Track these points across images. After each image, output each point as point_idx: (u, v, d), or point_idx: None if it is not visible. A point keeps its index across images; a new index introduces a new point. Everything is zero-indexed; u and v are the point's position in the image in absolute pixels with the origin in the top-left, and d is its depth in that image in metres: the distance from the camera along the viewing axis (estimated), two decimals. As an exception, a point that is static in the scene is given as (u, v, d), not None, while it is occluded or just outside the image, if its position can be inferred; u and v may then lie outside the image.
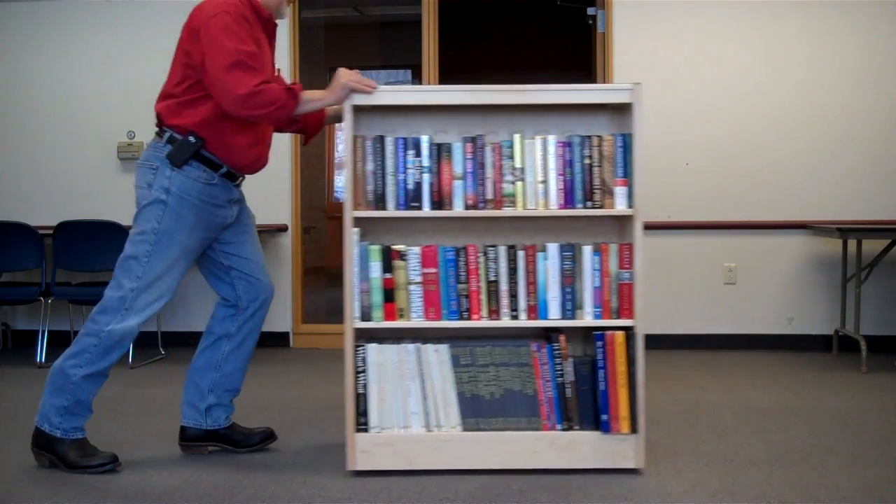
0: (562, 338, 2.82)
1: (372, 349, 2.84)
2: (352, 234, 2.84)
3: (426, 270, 2.85)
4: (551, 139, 2.84)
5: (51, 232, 4.94)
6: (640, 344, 2.79)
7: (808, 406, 3.74)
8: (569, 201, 2.83)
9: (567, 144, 2.83)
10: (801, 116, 5.32)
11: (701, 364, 4.81)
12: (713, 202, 5.34)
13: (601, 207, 2.82)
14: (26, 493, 2.63)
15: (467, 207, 2.86)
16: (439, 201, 2.86)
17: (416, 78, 8.06)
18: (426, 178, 2.85)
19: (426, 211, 2.86)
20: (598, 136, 2.81)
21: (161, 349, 5.28)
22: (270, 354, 5.26)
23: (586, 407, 2.81)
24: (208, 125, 2.81)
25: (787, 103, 5.32)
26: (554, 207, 2.83)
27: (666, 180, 5.36)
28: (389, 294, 2.86)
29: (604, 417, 2.79)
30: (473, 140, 2.88)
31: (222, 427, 3.06)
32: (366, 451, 2.80)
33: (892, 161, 5.27)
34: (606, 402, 2.79)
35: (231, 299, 3.05)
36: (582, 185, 2.82)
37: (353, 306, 2.85)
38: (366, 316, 2.85)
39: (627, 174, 2.81)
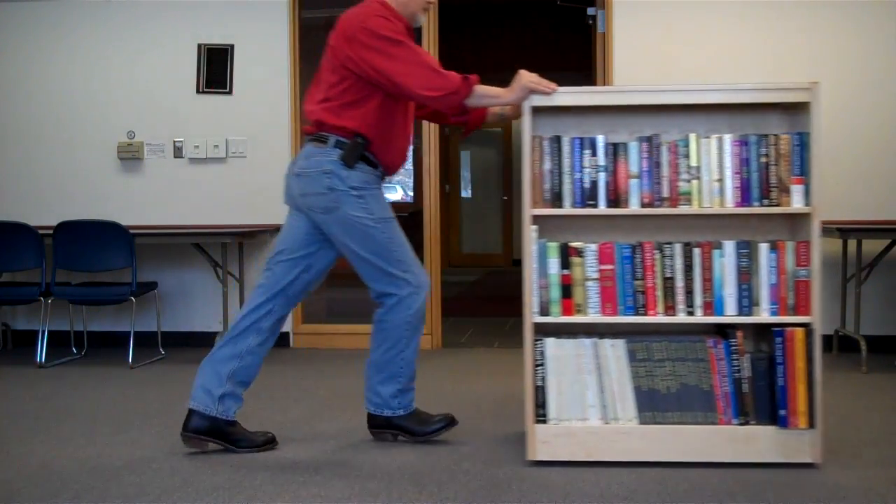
0: (739, 334, 2.86)
1: (550, 343, 2.93)
2: (531, 232, 2.91)
3: (603, 267, 2.92)
4: (727, 138, 2.87)
5: (51, 232, 4.94)
6: (817, 341, 2.82)
7: (807, 406, 3.73)
8: (745, 199, 2.87)
9: (743, 143, 2.87)
10: (801, 116, 5.31)
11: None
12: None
13: (778, 205, 2.86)
14: (26, 493, 2.63)
15: (643, 205, 2.96)
16: (615, 199, 2.95)
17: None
18: (602, 176, 2.95)
19: (602, 209, 2.94)
20: (775, 135, 2.85)
21: (161, 349, 5.28)
22: (270, 354, 5.24)
23: (762, 402, 2.85)
24: (372, 125, 2.96)
25: (787, 103, 5.31)
26: (730, 205, 2.88)
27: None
28: (567, 290, 2.93)
29: (782, 413, 2.82)
30: (649, 139, 2.94)
31: (227, 419, 3.06)
32: (545, 442, 2.88)
33: (893, 161, 5.27)
34: (785, 398, 2.82)
35: (276, 288, 3.07)
36: (759, 183, 2.86)
37: (532, 301, 2.92)
38: (544, 311, 2.94)
39: (804, 172, 2.85)
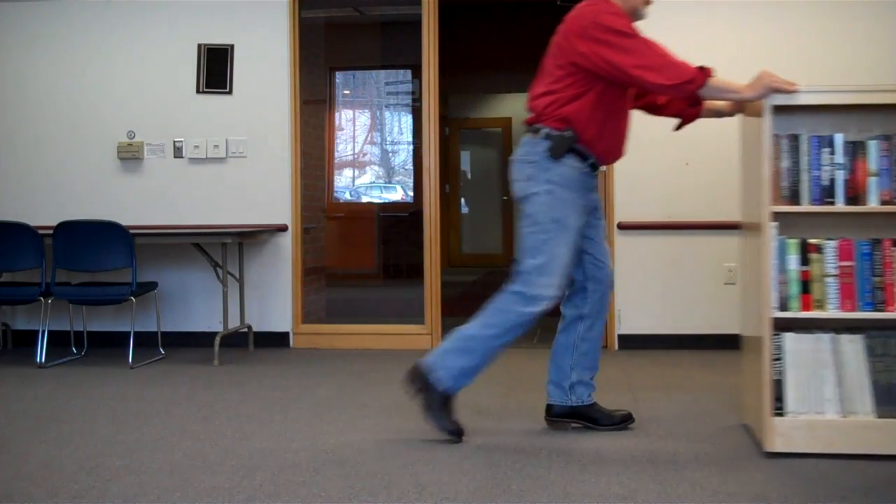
0: None
1: (789, 338, 2.97)
2: (771, 228, 2.95)
3: (842, 263, 2.98)
4: None
5: (51, 232, 4.93)
6: None
7: (808, 406, 3.73)
8: None
9: None
10: (802, 116, 5.30)
11: (701, 364, 4.81)
12: (713, 202, 5.33)
13: None
14: (26, 493, 2.63)
15: (882, 203, 2.99)
16: (854, 196, 2.99)
17: (416, 78, 8.06)
18: (840, 174, 3.00)
19: (840, 206, 2.98)
20: None
21: (161, 349, 5.28)
22: (270, 354, 5.26)
23: None
24: (586, 118, 3.05)
25: (787, 103, 5.30)
26: None
27: (665, 180, 5.36)
28: (806, 286, 2.98)
29: None
30: (888, 138, 2.99)
31: (585, 404, 3.28)
32: (783, 435, 2.92)
33: (893, 161, 5.25)
34: None
35: (579, 280, 3.24)
36: None
37: (771, 296, 2.97)
38: (783, 306, 2.99)
39: None
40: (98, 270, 5.01)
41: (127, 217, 5.26)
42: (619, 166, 5.39)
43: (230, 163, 5.60)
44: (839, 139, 2.95)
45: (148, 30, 5.63)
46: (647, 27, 5.37)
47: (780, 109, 2.97)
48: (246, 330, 5.45)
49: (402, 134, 12.18)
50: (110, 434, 3.35)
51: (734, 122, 5.52)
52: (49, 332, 4.98)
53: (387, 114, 10.02)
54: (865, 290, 2.95)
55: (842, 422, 2.92)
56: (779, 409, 2.93)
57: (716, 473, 2.80)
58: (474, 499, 2.57)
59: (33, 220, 5.17)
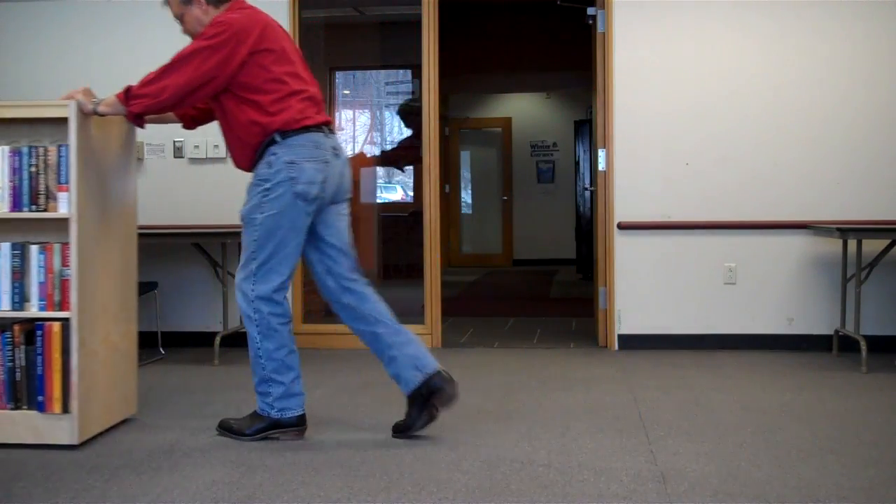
0: (15, 327, 3.22)
1: None
2: None
3: None
4: (5, 149, 3.20)
5: (51, 232, 4.94)
6: (74, 334, 3.15)
7: (808, 406, 3.75)
8: (17, 205, 3.22)
9: (17, 153, 3.21)
10: (802, 116, 5.33)
11: (701, 364, 4.81)
12: (713, 202, 5.35)
13: (45, 211, 3.20)
14: (26, 493, 2.64)
15: None
16: None
17: (416, 78, 8.06)
18: None
19: None
20: (45, 147, 3.20)
21: (161, 349, 5.29)
22: (270, 354, 5.26)
23: (32, 389, 3.20)
24: None
25: (787, 103, 5.31)
26: (6, 210, 3.23)
27: (665, 180, 5.36)
28: None
29: (40, 399, 3.19)
30: None
31: None
32: None
33: (892, 161, 5.26)
34: (43, 385, 3.18)
35: None
36: (28, 190, 3.21)
37: None
38: None
39: (69, 181, 3.15)
40: (98, 270, 5.00)
41: (126, 217, 5.24)
42: (619, 166, 5.42)
43: (230, 163, 5.60)
44: None
45: (148, 29, 5.64)
46: (650, 28, 5.39)
47: None
48: (246, 330, 5.43)
49: (402, 134, 12.19)
50: (111, 434, 3.35)
51: (736, 122, 5.50)
52: (49, 331, 4.96)
53: (387, 114, 10.02)
54: None
55: None
56: None
57: (714, 473, 2.80)
58: (473, 498, 2.58)
59: (33, 220, 5.15)
